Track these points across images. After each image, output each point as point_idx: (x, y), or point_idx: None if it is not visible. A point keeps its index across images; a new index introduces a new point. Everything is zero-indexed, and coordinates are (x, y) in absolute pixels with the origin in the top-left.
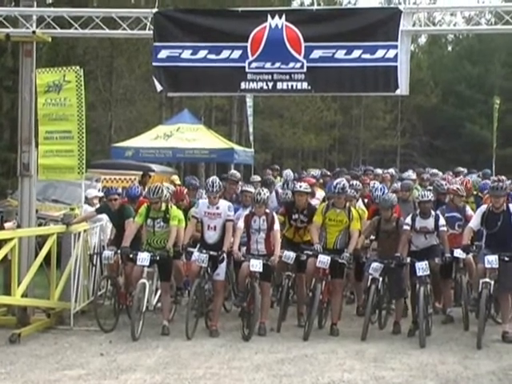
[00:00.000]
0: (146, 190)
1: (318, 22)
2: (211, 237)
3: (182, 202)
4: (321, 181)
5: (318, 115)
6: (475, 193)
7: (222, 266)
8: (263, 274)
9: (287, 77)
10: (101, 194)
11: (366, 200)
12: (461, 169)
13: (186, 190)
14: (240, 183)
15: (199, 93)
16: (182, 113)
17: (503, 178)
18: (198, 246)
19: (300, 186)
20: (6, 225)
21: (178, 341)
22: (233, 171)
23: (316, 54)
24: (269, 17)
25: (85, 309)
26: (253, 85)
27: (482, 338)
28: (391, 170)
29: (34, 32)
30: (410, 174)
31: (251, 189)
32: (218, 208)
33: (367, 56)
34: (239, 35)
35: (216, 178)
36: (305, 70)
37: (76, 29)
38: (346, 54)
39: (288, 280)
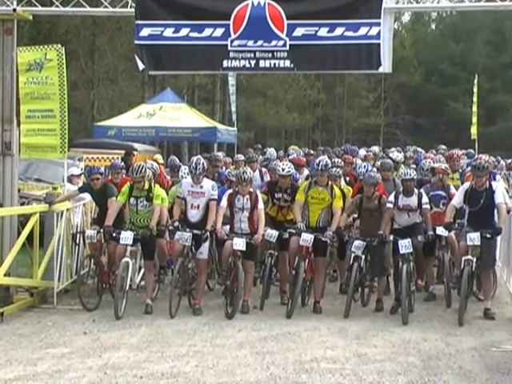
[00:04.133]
0: (130, 168)
1: None
2: (194, 216)
3: (164, 188)
4: (304, 159)
5: (302, 94)
6: (461, 171)
7: (205, 245)
8: (246, 253)
9: (270, 55)
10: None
11: (348, 179)
12: (443, 147)
13: (168, 177)
14: (222, 161)
15: (181, 71)
16: (164, 92)
17: (483, 157)
18: (181, 224)
19: (283, 170)
20: None
21: (162, 319)
22: (216, 153)
23: (299, 31)
24: None
25: (68, 288)
26: (235, 63)
27: (464, 314)
28: (374, 149)
29: (14, 10)
30: (397, 154)
31: (232, 178)
32: (201, 187)
33: (350, 33)
34: (221, 13)
35: (200, 159)
36: (287, 47)
37: (57, 6)
38: (328, 32)
39: (271, 258)
